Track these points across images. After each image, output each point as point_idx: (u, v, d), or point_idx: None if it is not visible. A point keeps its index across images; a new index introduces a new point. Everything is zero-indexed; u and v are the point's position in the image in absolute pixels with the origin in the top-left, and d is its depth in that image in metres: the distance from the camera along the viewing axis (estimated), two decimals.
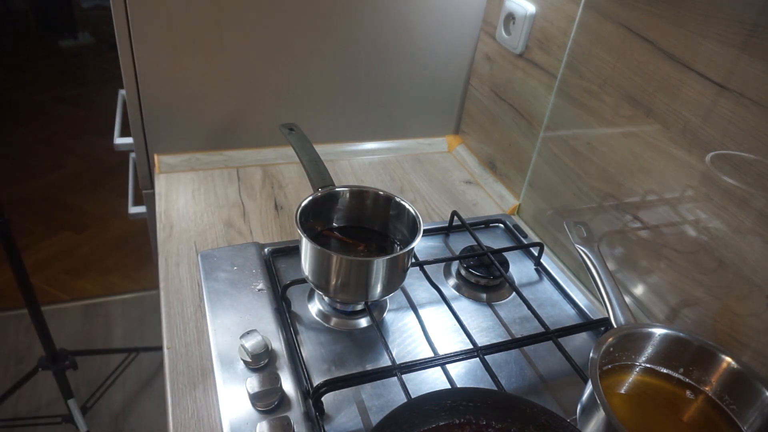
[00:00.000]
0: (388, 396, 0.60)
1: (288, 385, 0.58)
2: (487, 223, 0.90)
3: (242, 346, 0.59)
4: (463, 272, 0.77)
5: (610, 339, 0.56)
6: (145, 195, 1.00)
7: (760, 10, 0.54)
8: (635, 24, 0.68)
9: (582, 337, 0.71)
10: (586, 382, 0.53)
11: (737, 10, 0.55)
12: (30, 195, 2.41)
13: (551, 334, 0.66)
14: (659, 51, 0.65)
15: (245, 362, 0.59)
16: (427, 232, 0.86)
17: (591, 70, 0.75)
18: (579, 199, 0.80)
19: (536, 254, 0.82)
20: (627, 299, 0.65)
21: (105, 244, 2.20)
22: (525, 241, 0.86)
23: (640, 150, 0.69)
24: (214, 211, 0.86)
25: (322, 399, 0.56)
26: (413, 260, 0.74)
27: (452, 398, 0.51)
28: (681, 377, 0.58)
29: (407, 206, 0.68)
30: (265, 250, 0.76)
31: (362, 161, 1.05)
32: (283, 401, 0.56)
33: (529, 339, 0.66)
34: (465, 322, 0.67)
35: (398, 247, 0.71)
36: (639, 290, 0.71)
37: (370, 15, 0.93)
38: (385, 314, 0.70)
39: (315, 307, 0.69)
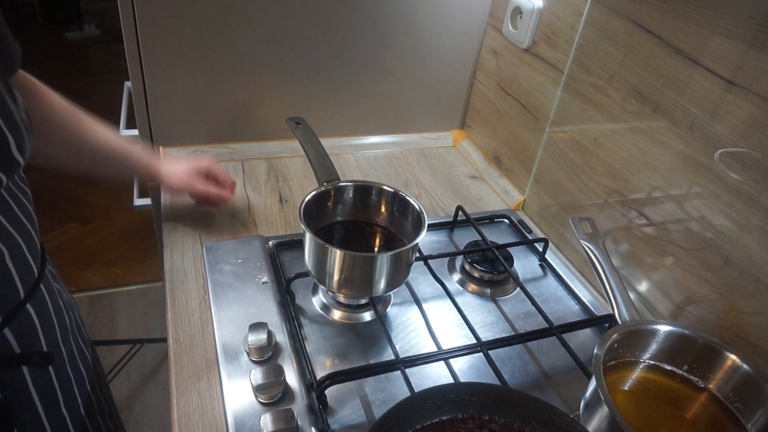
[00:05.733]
0: (392, 390, 0.60)
1: (291, 377, 0.58)
2: (491, 218, 0.90)
3: (246, 338, 0.59)
4: (467, 267, 0.77)
5: (615, 335, 0.56)
6: (151, 187, 1.00)
7: None
8: (643, 19, 0.67)
9: (586, 333, 0.71)
10: (589, 378, 0.53)
11: (747, 5, 0.55)
12: (36, 186, 2.37)
13: (555, 330, 0.66)
14: (667, 46, 0.64)
15: (249, 354, 0.59)
16: (432, 227, 0.86)
17: (598, 65, 0.75)
18: (584, 194, 0.80)
19: (541, 250, 0.82)
20: (632, 296, 0.64)
21: (110, 235, 2.21)
22: (530, 237, 0.85)
23: (647, 146, 0.68)
24: None
25: (326, 392, 0.56)
26: (417, 255, 0.74)
27: (456, 393, 0.51)
28: (685, 374, 0.58)
29: (412, 201, 0.68)
30: (270, 243, 0.76)
31: (367, 155, 1.05)
32: (287, 394, 0.56)
33: (532, 334, 0.66)
34: (469, 317, 0.67)
35: (403, 242, 0.71)
36: (644, 287, 0.71)
37: (376, 8, 0.93)
38: (388, 308, 0.70)
39: (319, 300, 0.69)
